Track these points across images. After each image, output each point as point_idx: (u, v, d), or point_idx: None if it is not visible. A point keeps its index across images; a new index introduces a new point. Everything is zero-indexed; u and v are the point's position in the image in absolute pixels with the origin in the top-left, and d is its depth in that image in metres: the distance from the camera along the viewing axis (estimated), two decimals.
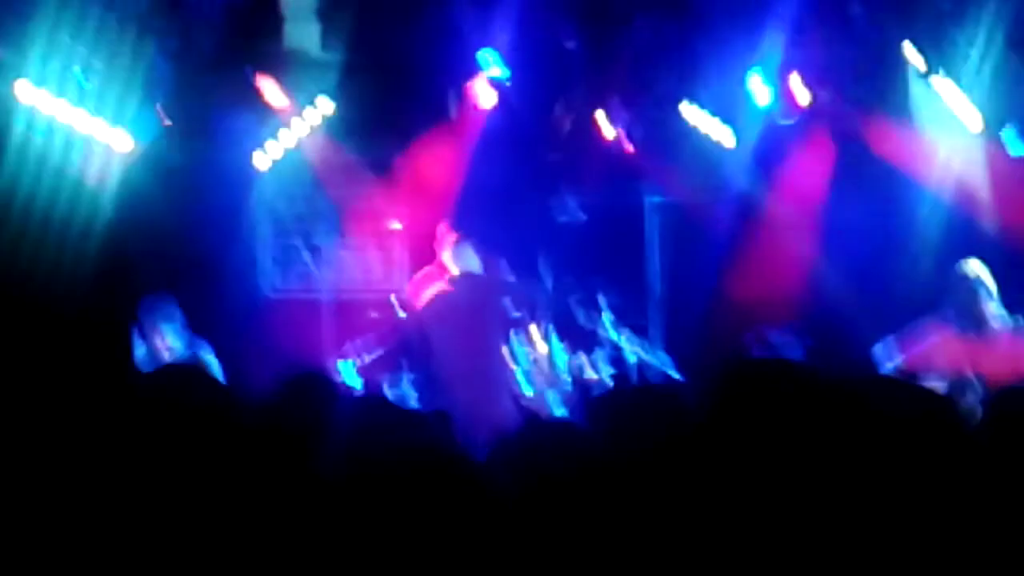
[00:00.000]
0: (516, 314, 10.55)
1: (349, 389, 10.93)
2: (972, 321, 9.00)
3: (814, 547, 2.90)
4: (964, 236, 11.05)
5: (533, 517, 3.53)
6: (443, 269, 10.45)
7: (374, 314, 11.88)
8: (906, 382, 3.10)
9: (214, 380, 3.46)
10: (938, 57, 10.63)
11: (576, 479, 3.75)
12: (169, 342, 9.57)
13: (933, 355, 8.91)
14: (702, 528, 3.30)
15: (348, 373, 11.09)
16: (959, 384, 8.58)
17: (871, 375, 3.13)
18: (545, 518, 3.53)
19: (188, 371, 3.70)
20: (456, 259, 10.39)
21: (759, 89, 11.56)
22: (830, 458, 2.91)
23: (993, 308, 9.03)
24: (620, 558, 3.38)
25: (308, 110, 11.84)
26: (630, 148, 12.46)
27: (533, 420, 9.03)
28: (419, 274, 10.82)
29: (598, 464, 3.76)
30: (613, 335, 11.40)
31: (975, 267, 9.15)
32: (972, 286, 9.05)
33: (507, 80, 11.65)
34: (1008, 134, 11.26)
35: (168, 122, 10.99)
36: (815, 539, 2.91)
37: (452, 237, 10.44)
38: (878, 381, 3.09)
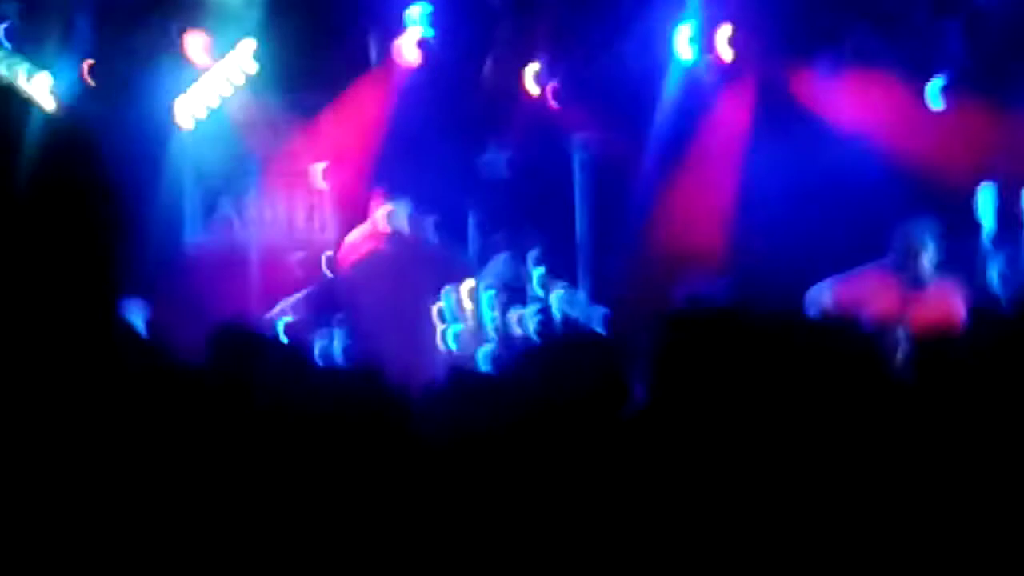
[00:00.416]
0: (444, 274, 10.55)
1: (278, 343, 10.92)
2: (909, 273, 9.15)
3: (745, 492, 2.95)
4: (888, 186, 11.19)
5: (457, 468, 3.57)
6: (374, 229, 10.43)
7: (300, 254, 11.75)
8: (829, 323, 3.16)
9: (137, 338, 3.47)
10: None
11: (498, 431, 3.79)
12: None
13: (865, 298, 9.02)
14: (625, 478, 3.34)
15: (277, 331, 11.07)
16: (884, 332, 8.66)
17: (796, 317, 3.17)
18: (469, 469, 3.57)
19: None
20: (387, 219, 10.37)
21: (683, 43, 11.63)
22: (759, 400, 2.97)
23: (929, 264, 9.19)
24: (543, 508, 3.42)
25: (230, 62, 11.77)
26: (555, 102, 12.48)
27: (458, 372, 9.05)
28: (351, 235, 10.77)
29: (520, 417, 3.81)
30: (539, 291, 11.42)
31: (920, 225, 9.30)
32: (913, 241, 9.19)
33: (430, 27, 11.64)
34: (932, 87, 11.43)
35: (90, 79, 10.91)
36: (744, 484, 2.96)
37: (382, 197, 10.40)
38: (803, 322, 3.14)
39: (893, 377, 3.09)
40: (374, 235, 10.24)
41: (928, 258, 9.22)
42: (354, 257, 10.28)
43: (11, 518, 1.08)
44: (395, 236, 10.17)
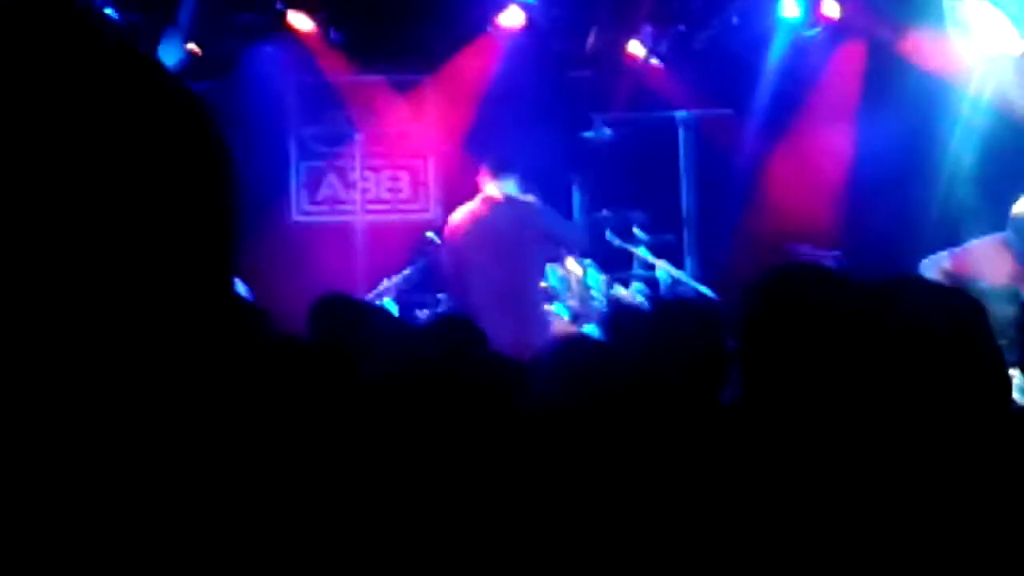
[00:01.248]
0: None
1: (384, 310, 10.94)
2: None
3: (847, 460, 2.87)
4: (1002, 155, 10.98)
5: (565, 433, 3.52)
6: (480, 201, 10.36)
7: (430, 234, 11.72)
8: (937, 285, 3.07)
9: (243, 308, 3.44)
10: None
11: (608, 395, 3.74)
12: None
13: (981, 270, 8.87)
14: (736, 445, 3.28)
15: (383, 300, 11.08)
16: (1005, 292, 8.55)
17: (900, 278, 3.10)
18: (576, 434, 3.52)
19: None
20: (493, 191, 10.30)
21: (790, 7, 11.50)
22: (859, 365, 2.88)
23: None
24: (650, 476, 3.36)
25: (332, 32, 11.80)
26: (659, 65, 12.39)
27: (568, 338, 9.01)
28: (458, 211, 10.73)
29: (631, 382, 3.75)
30: (646, 254, 11.36)
31: None
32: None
33: (535, 6, 11.59)
34: None
35: (197, 52, 10.99)
36: (847, 453, 2.88)
37: (488, 170, 10.33)
38: (907, 283, 3.04)
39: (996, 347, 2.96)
40: (480, 207, 10.18)
41: None
42: (460, 230, 10.22)
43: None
44: (501, 206, 10.09)
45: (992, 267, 8.80)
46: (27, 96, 1.05)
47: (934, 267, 9.06)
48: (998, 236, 9.07)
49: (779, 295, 3.60)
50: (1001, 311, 8.01)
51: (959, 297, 2.97)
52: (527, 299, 10.03)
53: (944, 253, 9.14)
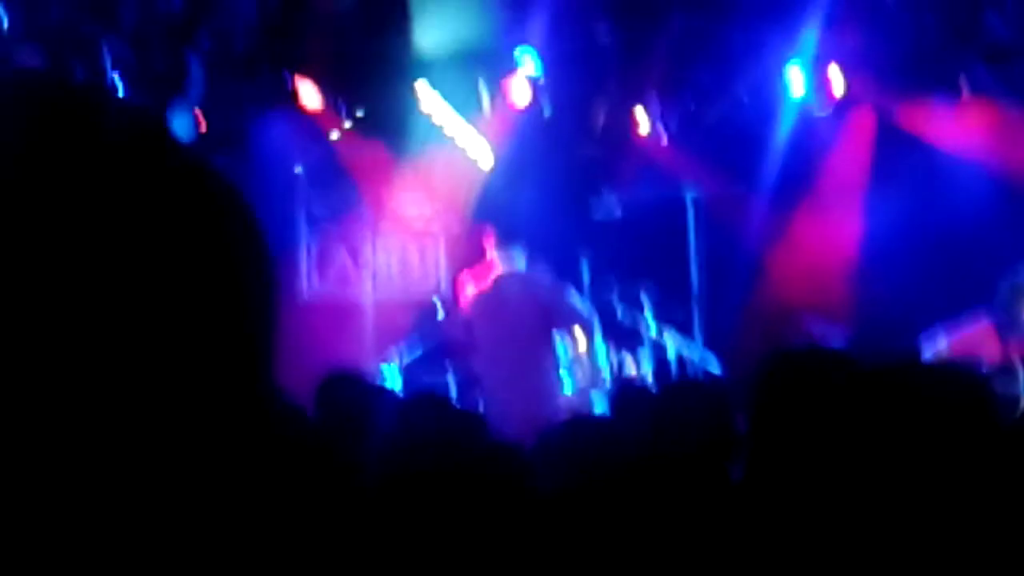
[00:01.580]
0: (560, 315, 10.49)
1: (389, 391, 10.90)
2: (1014, 323, 9.08)
3: (857, 537, 2.86)
4: (1011, 225, 11.00)
5: (574, 513, 3.49)
6: (490, 269, 10.37)
7: (436, 299, 11.71)
8: (944, 366, 3.06)
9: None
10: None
11: (617, 476, 3.72)
12: None
13: (978, 342, 8.97)
14: (747, 520, 3.26)
15: (391, 375, 11.06)
16: (1003, 371, 8.67)
17: (909, 361, 3.10)
18: (586, 515, 3.50)
19: None
20: (503, 261, 10.30)
21: (796, 80, 11.52)
22: (871, 447, 2.86)
23: None
24: (663, 554, 3.34)
25: (341, 104, 11.84)
26: (666, 142, 12.42)
27: (575, 418, 8.99)
28: (465, 273, 10.74)
29: (639, 461, 3.73)
30: (654, 332, 11.34)
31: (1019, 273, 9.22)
32: (1014, 291, 9.13)
33: (542, 77, 11.61)
34: None
35: (204, 126, 11.02)
36: (858, 530, 2.86)
37: (496, 241, 10.34)
38: (916, 367, 3.04)
39: (1004, 423, 2.96)
40: (488, 278, 10.19)
41: None
42: (471, 295, 10.24)
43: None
44: (509, 278, 10.10)
45: (986, 347, 8.93)
46: (51, 188, 1.03)
47: (931, 349, 9.16)
48: (989, 315, 9.21)
49: (790, 377, 3.59)
50: (999, 390, 8.07)
51: (965, 378, 2.96)
52: (535, 371, 10.01)
53: (942, 339, 9.25)
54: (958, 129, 11.75)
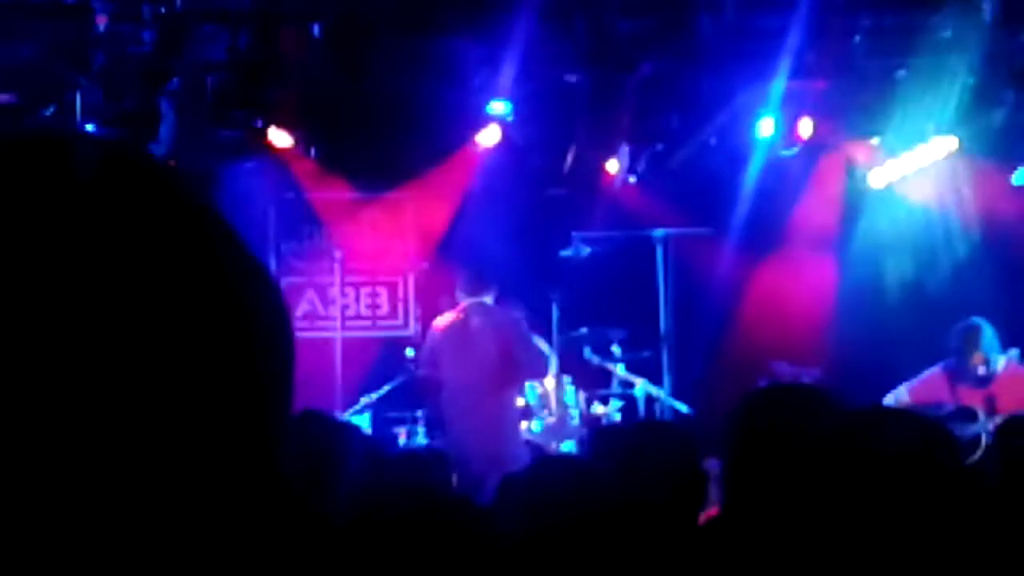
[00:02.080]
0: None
1: (358, 430, 10.89)
2: (969, 372, 9.26)
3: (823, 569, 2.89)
4: (979, 272, 11.10)
5: (542, 556, 3.51)
6: (457, 314, 10.35)
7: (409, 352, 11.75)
8: (904, 412, 3.10)
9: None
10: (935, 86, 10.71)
11: (585, 516, 3.73)
12: None
13: (935, 389, 9.20)
14: (716, 565, 3.28)
15: (361, 422, 11.07)
16: (961, 414, 8.86)
17: (875, 406, 3.13)
18: (555, 556, 3.51)
19: None
20: (472, 303, 10.30)
21: (765, 124, 11.60)
22: (836, 487, 2.90)
23: (983, 363, 9.28)
24: None
25: (314, 151, 11.86)
26: (635, 184, 12.49)
27: (541, 458, 9.01)
28: (437, 321, 10.72)
29: (607, 501, 3.75)
30: (622, 371, 11.38)
31: (969, 326, 9.41)
32: (963, 342, 9.33)
33: (511, 117, 11.67)
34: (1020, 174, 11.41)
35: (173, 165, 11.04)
36: (825, 563, 2.90)
37: (467, 284, 10.34)
38: (882, 410, 3.08)
39: (964, 467, 3.02)
40: (457, 312, 10.20)
41: (979, 358, 9.31)
42: (437, 333, 10.25)
43: None
44: (478, 306, 10.10)
45: (943, 396, 9.14)
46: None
47: (894, 402, 9.34)
48: (944, 364, 9.41)
49: (763, 417, 3.62)
50: (957, 432, 8.22)
51: (931, 428, 3.01)
52: (499, 406, 9.98)
53: (903, 387, 9.44)
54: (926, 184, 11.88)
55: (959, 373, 9.30)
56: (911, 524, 2.80)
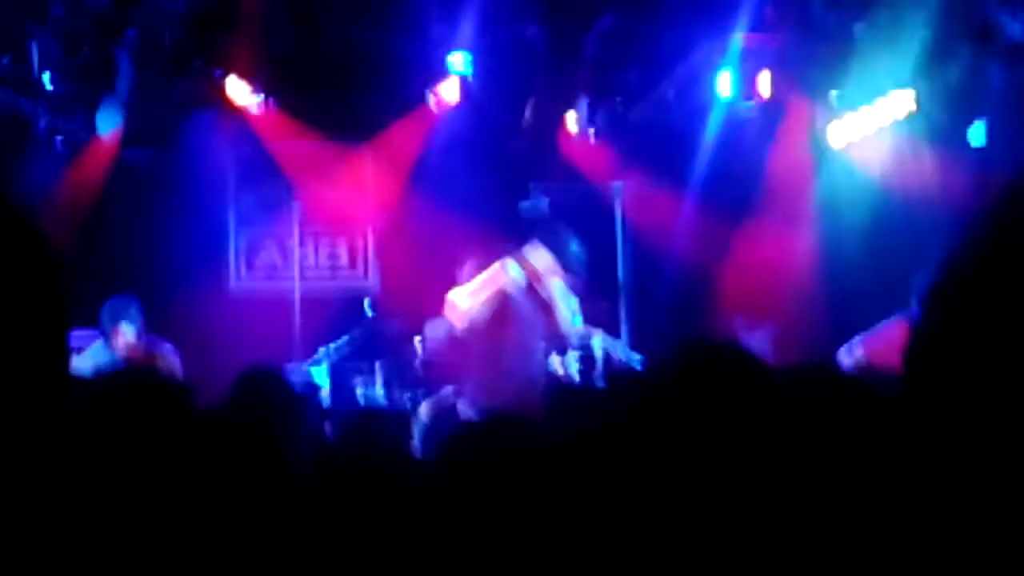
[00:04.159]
0: None
1: (311, 387, 10.94)
2: None
3: (748, 528, 2.93)
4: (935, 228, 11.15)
5: (488, 510, 3.54)
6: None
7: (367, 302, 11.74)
8: (843, 374, 3.14)
9: (164, 382, 3.46)
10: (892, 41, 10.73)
11: (530, 472, 3.77)
12: (129, 342, 9.50)
13: (894, 351, 9.05)
14: (649, 516, 3.31)
15: (318, 373, 11.10)
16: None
17: (813, 366, 3.17)
18: (499, 511, 3.54)
19: (134, 375, 3.70)
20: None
21: (723, 81, 11.62)
22: (760, 444, 2.94)
23: None
24: (577, 548, 3.39)
25: (273, 102, 11.82)
26: (594, 140, 12.49)
27: (492, 414, 9.04)
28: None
29: (553, 455, 3.78)
30: (579, 323, 11.40)
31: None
32: None
33: (471, 71, 11.65)
34: (974, 130, 11.43)
35: (133, 121, 11.01)
36: (749, 522, 2.94)
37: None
38: (819, 372, 3.11)
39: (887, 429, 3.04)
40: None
41: None
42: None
43: None
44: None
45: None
46: None
47: (848, 355, 9.26)
48: (906, 314, 9.27)
49: (698, 367, 3.65)
50: None
51: (846, 384, 3.05)
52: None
53: (858, 339, 9.34)
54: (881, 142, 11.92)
55: None
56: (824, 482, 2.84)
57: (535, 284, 9.70)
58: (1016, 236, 1.60)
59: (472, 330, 9.84)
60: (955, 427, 1.65)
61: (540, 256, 9.60)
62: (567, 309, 10.55)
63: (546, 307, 9.83)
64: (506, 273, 9.61)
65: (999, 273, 1.62)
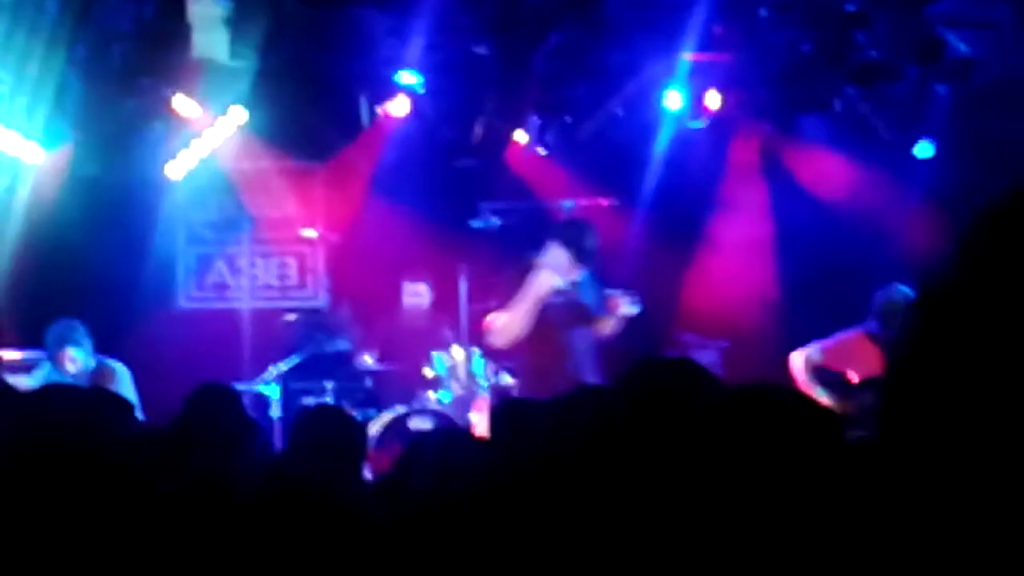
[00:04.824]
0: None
1: (262, 405, 10.93)
2: (887, 337, 9.15)
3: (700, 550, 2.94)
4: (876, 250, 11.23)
5: (436, 530, 3.54)
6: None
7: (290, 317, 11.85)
8: (791, 392, 3.15)
9: (106, 398, 3.45)
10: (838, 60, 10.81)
11: (478, 488, 3.77)
12: (78, 365, 9.45)
13: (851, 360, 9.09)
14: (597, 531, 3.32)
15: (269, 391, 11.09)
16: (870, 383, 8.81)
17: (762, 386, 3.19)
18: (448, 529, 3.54)
19: (77, 391, 3.68)
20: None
21: (672, 97, 11.66)
22: (708, 459, 2.95)
23: None
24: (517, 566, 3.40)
25: (221, 119, 11.77)
26: (544, 155, 12.50)
27: (445, 429, 9.08)
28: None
29: (493, 473, 3.79)
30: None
31: (898, 290, 9.27)
32: (891, 306, 9.18)
33: (420, 88, 11.65)
34: (920, 148, 11.52)
35: (81, 136, 10.95)
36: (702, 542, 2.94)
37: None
38: (758, 388, 3.13)
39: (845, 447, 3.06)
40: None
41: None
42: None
43: None
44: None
45: (859, 359, 9.02)
46: None
47: (804, 360, 9.27)
48: (863, 327, 9.30)
49: (642, 389, 3.67)
50: (868, 402, 8.23)
51: (809, 405, 3.06)
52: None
53: (816, 345, 9.35)
54: (828, 161, 12.00)
55: (882, 337, 9.13)
56: (786, 501, 2.85)
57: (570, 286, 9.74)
58: (997, 253, 1.63)
59: (519, 345, 9.83)
60: (938, 442, 1.66)
61: (558, 256, 9.62)
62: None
63: (584, 309, 9.85)
64: (544, 282, 9.59)
65: (982, 286, 1.65)
